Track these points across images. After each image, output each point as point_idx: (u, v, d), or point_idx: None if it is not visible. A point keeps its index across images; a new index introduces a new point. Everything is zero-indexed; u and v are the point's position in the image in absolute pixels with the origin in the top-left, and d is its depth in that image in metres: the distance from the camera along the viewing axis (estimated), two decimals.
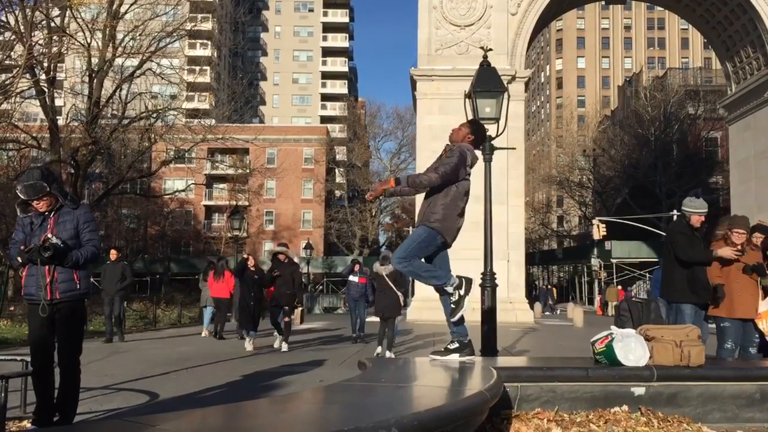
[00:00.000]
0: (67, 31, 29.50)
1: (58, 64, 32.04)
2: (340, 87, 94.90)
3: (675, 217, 25.01)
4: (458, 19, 31.56)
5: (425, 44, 31.83)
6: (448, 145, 6.40)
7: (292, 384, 9.41)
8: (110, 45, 31.03)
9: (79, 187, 30.39)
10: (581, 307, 35.90)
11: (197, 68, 49.57)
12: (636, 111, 61.85)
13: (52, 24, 29.13)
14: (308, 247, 49.97)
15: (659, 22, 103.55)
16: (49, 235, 5.69)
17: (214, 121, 44.64)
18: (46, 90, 28.91)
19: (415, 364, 7.08)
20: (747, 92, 34.52)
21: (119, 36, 31.63)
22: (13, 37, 26.77)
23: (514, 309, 28.53)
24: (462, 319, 6.17)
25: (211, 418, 4.06)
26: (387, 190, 6.27)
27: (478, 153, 7.25)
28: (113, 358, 12.96)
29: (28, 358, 6.12)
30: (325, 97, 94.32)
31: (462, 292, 6.10)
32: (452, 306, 6.14)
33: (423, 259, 6.25)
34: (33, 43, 26.01)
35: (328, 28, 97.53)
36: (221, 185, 68.45)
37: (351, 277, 17.16)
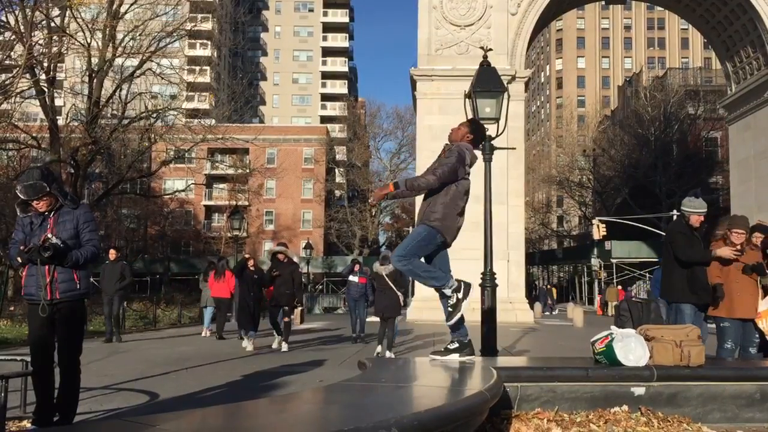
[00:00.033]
0: (67, 31, 29.49)
1: (58, 64, 32.03)
2: (340, 87, 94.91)
3: (675, 217, 25.01)
4: (458, 19, 31.57)
5: (425, 44, 31.84)
6: (447, 144, 6.40)
7: (292, 384, 9.41)
8: (110, 45, 31.02)
9: (79, 187, 30.38)
10: (581, 307, 35.91)
11: (197, 68, 49.57)
12: (636, 111, 61.86)
13: (52, 24, 29.13)
14: (308, 247, 49.99)
15: (659, 22, 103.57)
16: (49, 235, 5.69)
17: (214, 121, 44.65)
18: (46, 90, 28.91)
19: (415, 364, 7.08)
20: (747, 92, 34.53)
21: (119, 36, 31.62)
22: (13, 37, 26.76)
23: (514, 309, 28.53)
24: (462, 319, 6.16)
25: (211, 418, 4.06)
26: (387, 194, 6.26)
27: (478, 153, 7.24)
28: (113, 358, 12.96)
29: (28, 358, 6.12)
30: (325, 97, 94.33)
31: (460, 295, 6.09)
32: (449, 309, 6.13)
33: (423, 259, 6.25)
34: (33, 43, 26.01)
35: (328, 28, 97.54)
36: (221, 185, 68.45)
37: (351, 277, 17.16)
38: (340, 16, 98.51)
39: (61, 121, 32.72)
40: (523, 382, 5.75)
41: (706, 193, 45.14)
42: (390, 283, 13.60)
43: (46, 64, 28.42)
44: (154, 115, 32.90)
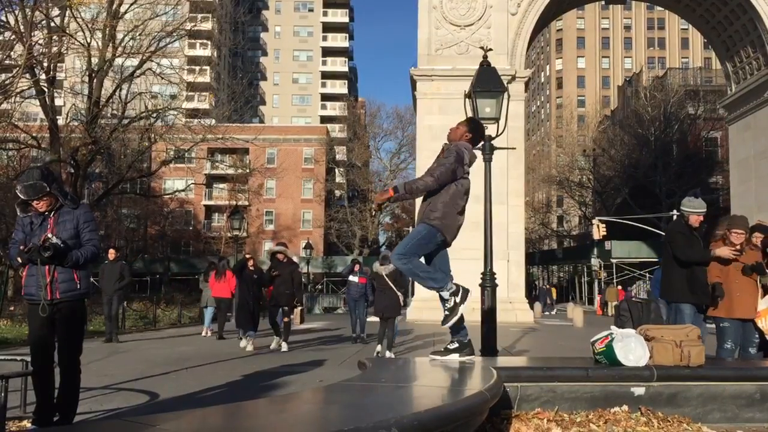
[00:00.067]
0: (67, 31, 29.50)
1: (58, 64, 32.05)
2: (340, 87, 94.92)
3: (674, 217, 25.02)
4: (458, 19, 31.57)
5: (425, 44, 31.84)
6: (445, 144, 6.40)
7: (292, 384, 9.41)
8: (110, 45, 31.03)
9: (79, 186, 30.39)
10: (581, 307, 35.91)
11: (197, 68, 49.63)
12: (636, 111, 61.87)
13: (52, 24, 29.14)
14: (308, 246, 50.01)
15: (659, 22, 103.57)
16: (49, 235, 5.69)
17: (214, 121, 44.65)
18: (46, 90, 28.92)
19: (415, 364, 7.07)
20: (747, 92, 34.53)
21: (119, 36, 31.62)
22: (13, 37, 26.77)
23: (514, 309, 28.54)
24: (462, 320, 6.15)
25: (211, 418, 4.06)
26: (389, 198, 6.26)
27: (478, 153, 7.24)
28: (113, 358, 12.96)
29: (28, 358, 6.12)
30: (325, 97, 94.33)
31: (458, 299, 6.07)
32: (446, 312, 6.12)
33: (423, 259, 6.25)
34: (33, 43, 26.01)
35: (328, 28, 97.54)
36: (221, 185, 68.47)
37: (351, 277, 17.16)
38: (340, 16, 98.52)
39: (61, 121, 32.72)
40: (523, 382, 5.75)
41: (706, 193, 45.20)
42: (390, 283, 13.60)
43: (46, 64, 28.42)
44: (154, 115, 32.92)
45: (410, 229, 41.70)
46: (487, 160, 10.43)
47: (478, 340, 9.08)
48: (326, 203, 69.38)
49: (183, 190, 43.20)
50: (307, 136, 72.35)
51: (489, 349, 9.53)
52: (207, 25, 66.86)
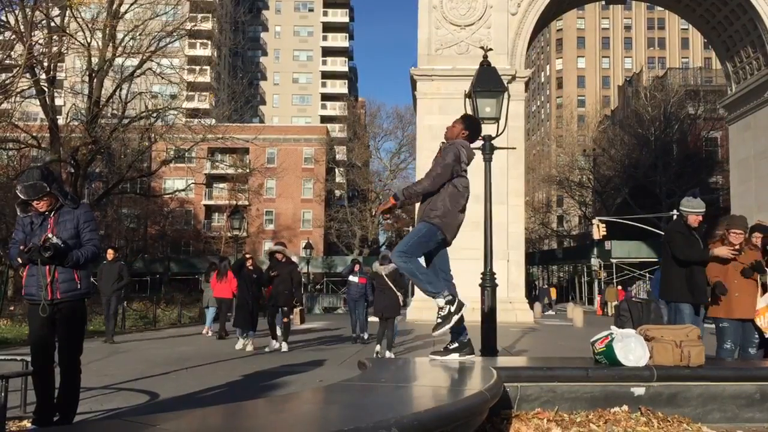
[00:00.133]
0: (67, 31, 29.49)
1: (58, 64, 32.04)
2: (340, 87, 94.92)
3: (674, 217, 24.98)
4: (458, 19, 31.57)
5: (425, 44, 31.84)
6: (443, 143, 6.41)
7: (292, 384, 9.41)
8: (110, 45, 31.03)
9: (79, 186, 30.38)
10: (581, 307, 35.91)
11: (197, 68, 49.66)
12: (636, 111, 61.86)
13: (52, 24, 29.13)
14: (308, 246, 50.01)
15: (659, 22, 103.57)
16: (50, 235, 5.69)
17: (214, 120, 44.67)
18: (46, 90, 28.92)
19: (415, 364, 7.07)
20: (747, 92, 34.53)
21: (119, 36, 31.62)
22: (13, 36, 26.77)
23: (514, 309, 28.54)
24: (461, 320, 6.15)
25: (211, 418, 4.06)
26: (392, 207, 6.26)
27: (478, 152, 7.23)
28: (113, 358, 12.97)
29: (28, 358, 6.13)
30: (325, 97, 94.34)
31: (453, 308, 6.04)
32: (438, 320, 6.09)
33: (423, 259, 6.25)
34: (33, 43, 26.01)
35: (328, 27, 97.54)
36: (221, 185, 68.47)
37: (351, 277, 17.15)
38: (340, 16, 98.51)
39: (61, 121, 32.72)
40: (523, 382, 5.75)
41: (706, 193, 45.22)
42: (390, 283, 13.60)
43: (46, 64, 28.42)
44: (154, 114, 32.92)
45: (410, 228, 41.68)
46: (487, 160, 10.43)
47: (478, 340, 9.08)
48: (326, 203, 69.38)
49: (183, 190, 43.23)
50: (307, 136, 72.35)
51: (489, 349, 9.54)
52: (207, 25, 66.86)
